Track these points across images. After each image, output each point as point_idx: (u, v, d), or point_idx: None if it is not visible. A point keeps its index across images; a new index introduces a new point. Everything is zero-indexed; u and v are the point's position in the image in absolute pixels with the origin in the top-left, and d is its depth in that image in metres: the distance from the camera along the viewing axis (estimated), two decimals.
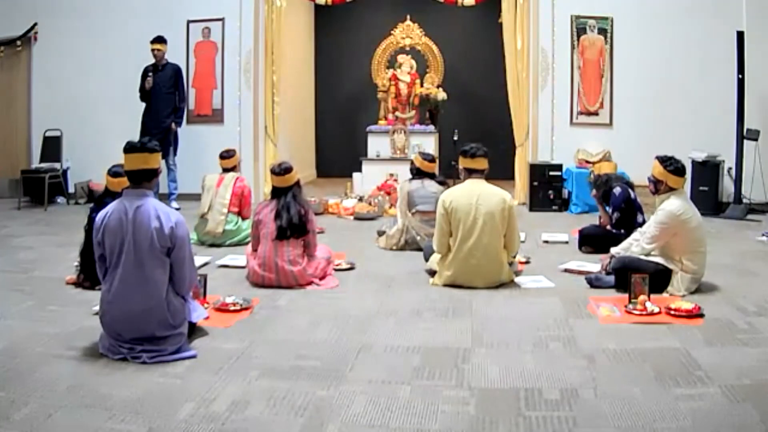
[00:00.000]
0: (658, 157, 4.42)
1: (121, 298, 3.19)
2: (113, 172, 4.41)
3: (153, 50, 7.83)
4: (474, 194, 4.46)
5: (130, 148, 3.31)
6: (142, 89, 7.86)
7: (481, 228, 4.39)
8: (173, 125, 7.91)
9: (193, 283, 3.50)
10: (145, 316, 3.18)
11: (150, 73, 7.76)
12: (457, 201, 4.46)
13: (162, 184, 8.03)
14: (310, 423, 2.58)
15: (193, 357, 3.21)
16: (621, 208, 5.36)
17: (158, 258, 3.21)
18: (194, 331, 3.51)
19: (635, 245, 4.49)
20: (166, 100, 7.85)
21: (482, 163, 4.58)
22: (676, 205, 4.26)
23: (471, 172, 4.57)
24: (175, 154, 8.02)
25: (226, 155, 6.15)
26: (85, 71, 8.65)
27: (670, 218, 4.24)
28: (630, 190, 5.43)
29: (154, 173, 3.36)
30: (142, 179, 3.30)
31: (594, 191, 5.79)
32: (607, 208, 5.54)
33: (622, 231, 5.20)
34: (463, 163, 4.61)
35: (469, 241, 4.40)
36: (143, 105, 7.89)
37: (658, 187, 4.40)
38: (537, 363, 3.16)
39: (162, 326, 3.21)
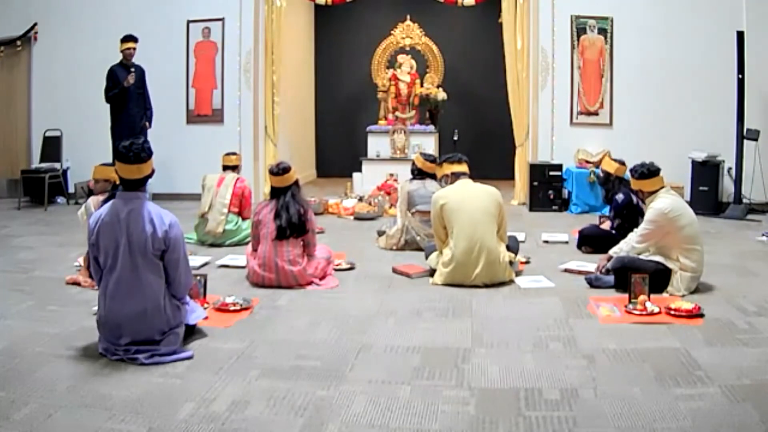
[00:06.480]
0: (629, 170, 4.58)
1: (117, 301, 3.18)
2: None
3: (127, 49, 7.45)
4: (466, 192, 4.63)
5: (124, 159, 3.23)
6: (110, 89, 7.40)
7: (477, 224, 4.47)
8: (147, 125, 7.67)
9: (189, 287, 3.47)
10: (142, 319, 3.17)
11: (132, 70, 7.41)
12: (451, 201, 4.58)
13: None
14: (310, 423, 2.58)
15: (190, 358, 3.20)
16: (623, 214, 5.35)
17: (152, 262, 3.19)
18: (194, 331, 3.51)
19: (626, 245, 4.52)
20: (138, 100, 7.59)
21: (466, 167, 4.86)
22: (664, 203, 4.30)
23: (459, 175, 4.79)
24: None
25: (231, 152, 6.30)
26: (85, 71, 8.63)
27: (658, 216, 4.27)
28: (633, 196, 5.42)
29: (149, 178, 3.34)
30: (136, 186, 3.28)
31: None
32: (608, 211, 5.52)
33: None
34: (449, 169, 4.87)
35: (466, 238, 4.44)
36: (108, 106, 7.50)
37: (639, 195, 4.63)
38: (537, 363, 3.16)
39: (159, 330, 3.21)
